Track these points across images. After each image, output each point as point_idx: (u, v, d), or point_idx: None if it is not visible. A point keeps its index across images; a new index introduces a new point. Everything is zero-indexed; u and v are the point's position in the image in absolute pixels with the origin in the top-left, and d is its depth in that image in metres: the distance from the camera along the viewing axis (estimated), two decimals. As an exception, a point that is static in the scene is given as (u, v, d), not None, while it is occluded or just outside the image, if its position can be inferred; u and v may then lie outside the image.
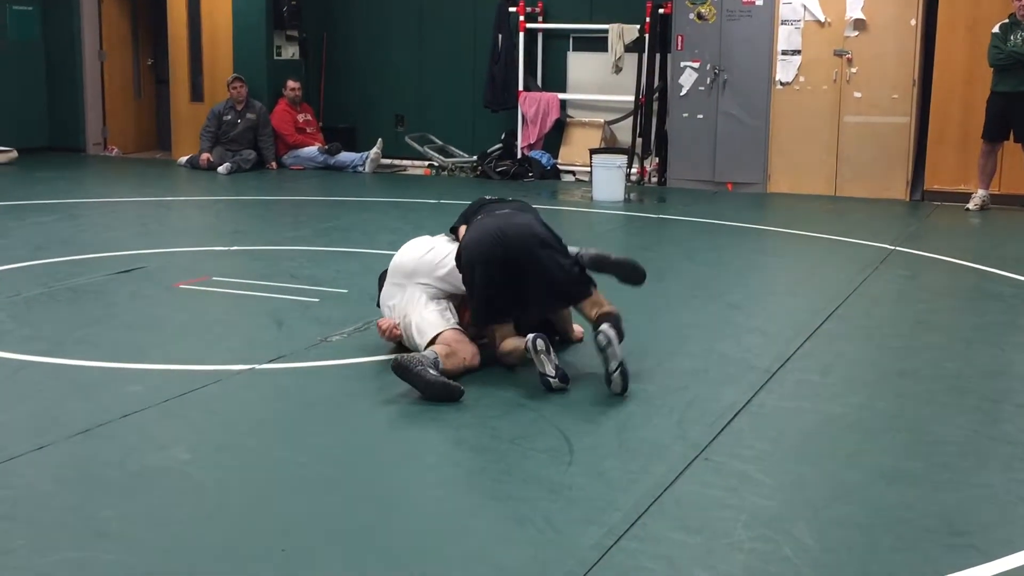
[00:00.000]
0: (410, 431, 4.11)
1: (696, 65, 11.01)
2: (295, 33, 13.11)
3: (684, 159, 11.21)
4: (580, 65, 12.19)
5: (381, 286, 5.13)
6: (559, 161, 12.05)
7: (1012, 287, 6.67)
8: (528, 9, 12.07)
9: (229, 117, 12.30)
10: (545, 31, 12.30)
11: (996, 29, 9.44)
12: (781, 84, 10.73)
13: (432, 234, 5.20)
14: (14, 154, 12.41)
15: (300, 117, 12.63)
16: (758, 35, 10.74)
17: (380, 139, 12.47)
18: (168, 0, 13.15)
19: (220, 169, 11.98)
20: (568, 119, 12.25)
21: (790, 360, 4.96)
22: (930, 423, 4.21)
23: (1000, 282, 6.82)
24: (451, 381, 4.33)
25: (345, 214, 9.31)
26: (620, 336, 4.48)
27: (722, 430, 4.03)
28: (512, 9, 12.06)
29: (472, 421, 4.13)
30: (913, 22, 10.24)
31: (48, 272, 6.58)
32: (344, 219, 9.02)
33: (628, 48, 11.55)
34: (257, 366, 4.72)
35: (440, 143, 12.64)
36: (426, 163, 12.54)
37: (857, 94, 10.49)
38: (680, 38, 11.06)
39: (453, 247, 4.96)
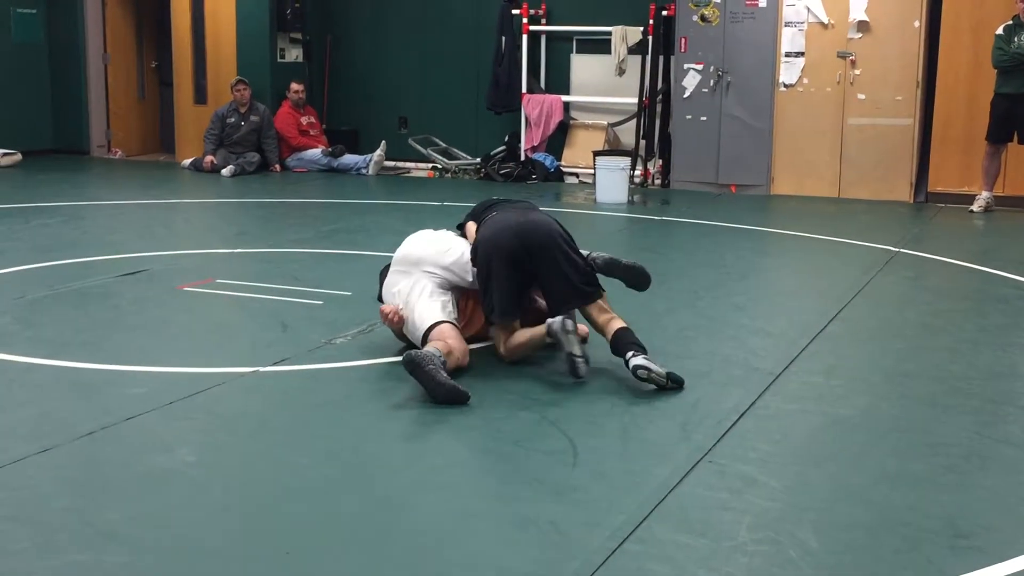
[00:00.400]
0: (414, 433, 4.12)
1: (699, 67, 11.01)
2: (299, 36, 13.12)
3: (687, 161, 11.21)
4: (583, 67, 12.19)
5: (382, 282, 5.13)
6: (562, 163, 12.05)
7: (1016, 289, 6.67)
8: (531, 11, 12.07)
9: (233, 120, 12.31)
10: (548, 33, 12.30)
11: (1000, 31, 9.43)
12: (785, 86, 10.73)
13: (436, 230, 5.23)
14: (18, 156, 12.42)
15: (303, 119, 12.64)
16: (761, 37, 10.74)
17: (383, 141, 12.48)
18: (172, 3, 13.17)
19: (224, 172, 11.99)
20: (571, 121, 12.25)
21: (794, 362, 4.96)
22: (934, 425, 4.21)
23: (1004, 284, 6.81)
24: (459, 386, 4.33)
25: (349, 216, 9.32)
26: (644, 350, 4.58)
27: (726, 432, 4.03)
28: (515, 11, 12.07)
29: (476, 423, 4.13)
30: (917, 24, 10.23)
31: (53, 274, 6.59)
32: (348, 221, 9.02)
33: (631, 50, 11.54)
34: (261, 368, 4.72)
35: (443, 145, 12.65)
36: (429, 165, 12.54)
37: (861, 96, 10.49)
38: (683, 40, 11.06)
39: (459, 239, 5.04)
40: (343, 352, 5.01)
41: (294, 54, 13.14)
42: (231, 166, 12.02)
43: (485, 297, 4.84)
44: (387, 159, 12.53)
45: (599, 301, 4.80)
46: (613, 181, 10.27)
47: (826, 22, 10.52)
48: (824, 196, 10.64)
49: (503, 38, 12.09)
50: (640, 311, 5.25)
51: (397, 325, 4.88)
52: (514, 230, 4.77)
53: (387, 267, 5.14)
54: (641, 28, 11.41)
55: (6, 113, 12.94)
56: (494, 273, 4.75)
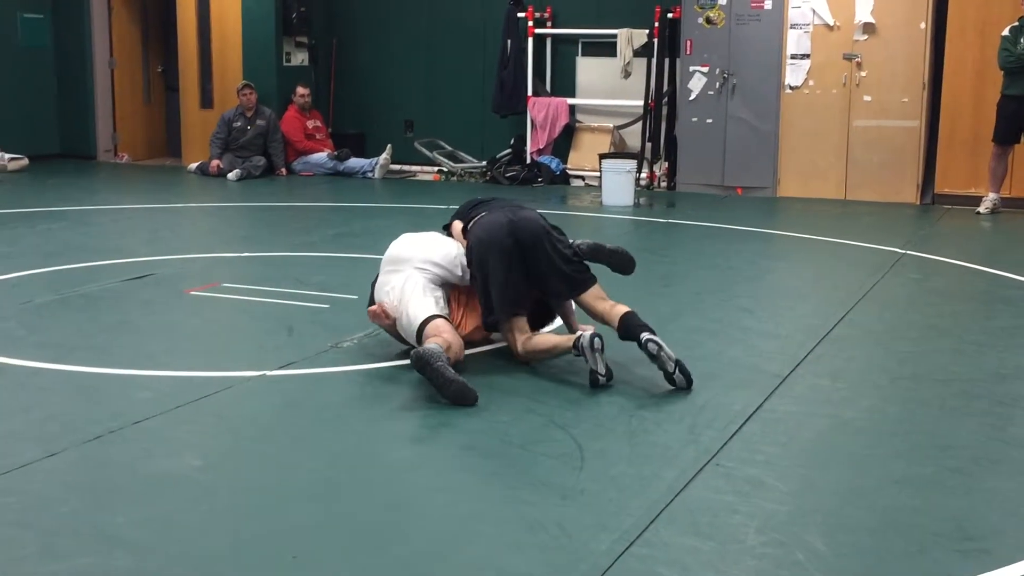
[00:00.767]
0: (420, 437, 4.12)
1: (705, 70, 11.00)
2: (304, 39, 13.13)
3: (693, 164, 11.20)
4: (589, 70, 12.19)
5: (374, 289, 5.14)
6: (568, 166, 12.05)
7: (1023, 291, 6.65)
8: (537, 14, 12.07)
9: (239, 124, 12.33)
10: (554, 36, 12.30)
11: (1006, 32, 9.42)
12: (790, 88, 10.72)
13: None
14: (25, 161, 12.45)
15: (310, 123, 12.65)
16: (767, 39, 10.73)
17: (389, 145, 12.48)
18: (178, 7, 13.19)
19: (230, 176, 12.00)
20: (577, 124, 12.25)
21: (801, 365, 4.95)
22: (941, 427, 4.20)
23: (1011, 286, 6.80)
24: (468, 383, 4.34)
25: (355, 220, 9.32)
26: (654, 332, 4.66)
27: (733, 435, 4.02)
28: (521, 14, 12.07)
29: (483, 426, 4.13)
30: (923, 25, 10.22)
31: (59, 279, 6.60)
32: (354, 225, 9.03)
33: (637, 53, 11.55)
34: (267, 372, 4.73)
35: (449, 149, 12.65)
36: (435, 169, 12.55)
37: (867, 98, 10.47)
38: (689, 42, 11.06)
39: (445, 237, 5.12)
40: (349, 356, 5.01)
41: (300, 58, 13.16)
42: (237, 170, 12.03)
43: (484, 298, 4.86)
44: (393, 162, 12.53)
45: (595, 290, 4.92)
46: (619, 184, 10.27)
47: (832, 24, 10.51)
48: (830, 198, 10.63)
49: (509, 41, 12.09)
50: (647, 314, 5.22)
51: (387, 323, 4.88)
52: (506, 228, 4.85)
53: (377, 277, 5.14)
54: (647, 31, 11.41)
55: (13, 117, 12.97)
56: (491, 270, 4.79)
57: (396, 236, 5.28)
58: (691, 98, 11.10)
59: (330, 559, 3.03)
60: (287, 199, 10.74)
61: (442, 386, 4.31)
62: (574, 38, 12.24)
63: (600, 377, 4.54)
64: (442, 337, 4.58)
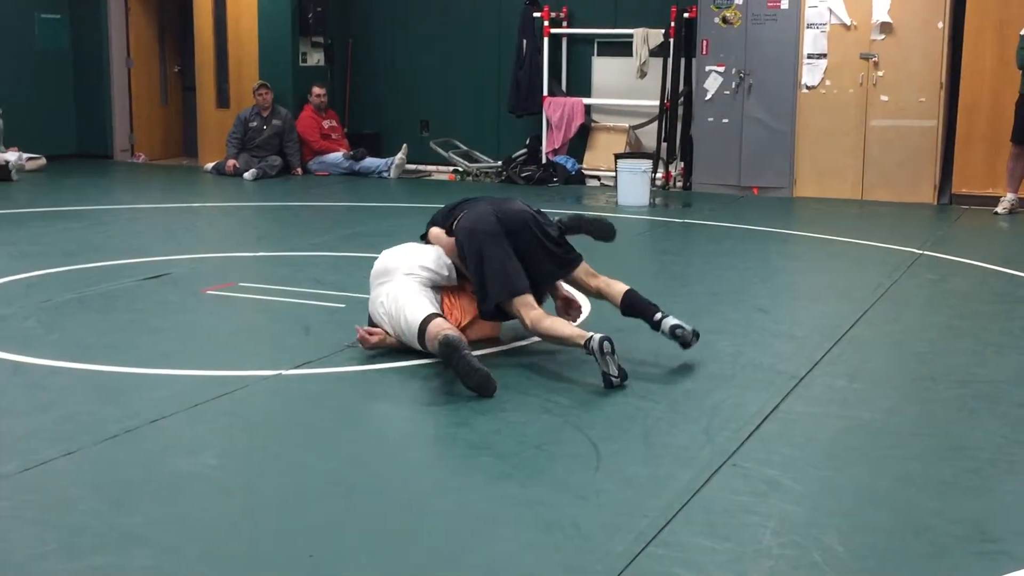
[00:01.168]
0: (436, 436, 4.12)
1: (721, 69, 10.98)
2: (320, 39, 13.16)
3: (709, 164, 11.18)
4: (605, 70, 12.18)
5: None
6: (584, 166, 12.04)
7: (1042, 291, 6.62)
8: (553, 14, 12.07)
9: (255, 123, 12.36)
10: (570, 36, 12.29)
11: (1024, 31, 9.37)
12: (807, 88, 10.69)
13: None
14: (43, 161, 12.50)
15: (325, 123, 12.68)
16: (784, 39, 10.70)
17: (405, 145, 12.49)
18: (194, 8, 13.23)
19: (246, 175, 12.04)
20: (593, 124, 12.24)
21: (818, 365, 4.94)
22: (959, 429, 4.18)
23: (1030, 286, 6.76)
24: (491, 375, 4.39)
25: (370, 220, 9.34)
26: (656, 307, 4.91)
27: (749, 436, 4.01)
28: (537, 14, 12.06)
29: (498, 426, 4.13)
30: (940, 24, 10.17)
31: (77, 278, 6.63)
32: (369, 225, 9.04)
33: (653, 52, 11.53)
34: (284, 372, 4.74)
35: (465, 148, 12.65)
36: (451, 168, 12.56)
37: (884, 97, 10.43)
38: (705, 42, 11.03)
39: (425, 245, 5.22)
40: (365, 355, 5.01)
41: (316, 58, 13.19)
42: (253, 170, 12.06)
43: (480, 287, 4.91)
44: (408, 162, 12.55)
45: (584, 267, 5.11)
46: (635, 184, 10.25)
47: (848, 23, 10.47)
48: (847, 198, 10.59)
49: (524, 41, 12.10)
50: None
51: (374, 341, 4.93)
52: (493, 216, 4.98)
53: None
54: (662, 30, 11.39)
55: (31, 118, 13.02)
56: (485, 257, 4.87)
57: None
58: (707, 98, 11.07)
59: (346, 558, 3.03)
60: (303, 199, 10.76)
61: (467, 374, 4.35)
62: (590, 38, 12.23)
63: (613, 379, 4.54)
64: (452, 331, 4.60)
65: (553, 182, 11.71)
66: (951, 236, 8.75)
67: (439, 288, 5.08)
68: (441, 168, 12.75)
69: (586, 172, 11.99)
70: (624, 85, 11.92)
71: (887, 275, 6.94)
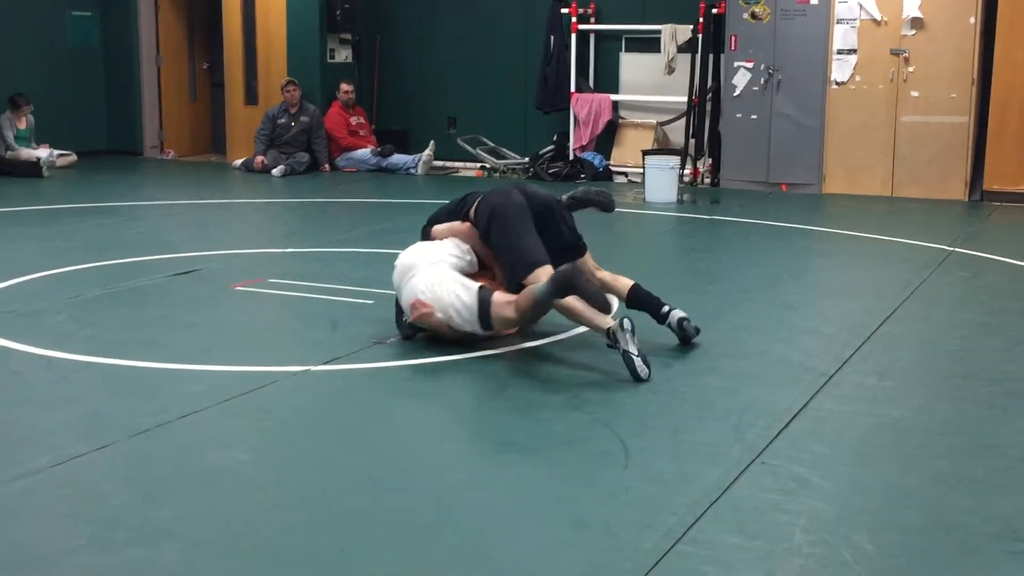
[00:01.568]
0: (464, 433, 4.13)
1: (750, 65, 10.93)
2: (348, 36, 13.20)
3: (737, 160, 11.13)
4: (632, 66, 12.15)
5: (398, 313, 5.23)
6: (611, 162, 12.03)
7: (1075, 289, 6.56)
8: (580, 10, 12.05)
9: (283, 120, 12.41)
10: (597, 32, 12.28)
11: (1057, 26, 9.28)
12: (836, 84, 10.62)
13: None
14: (74, 157, 12.61)
15: (353, 120, 12.71)
16: (813, 34, 10.64)
17: (432, 141, 12.51)
18: (223, 5, 13.30)
19: (274, 172, 12.09)
20: (620, 120, 12.22)
21: (847, 363, 4.91)
22: (991, 427, 4.15)
23: (1062, 284, 6.70)
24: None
25: (398, 216, 9.35)
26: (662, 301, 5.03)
27: (779, 433, 4.00)
28: (564, 10, 12.05)
29: (526, 424, 4.13)
30: (972, 20, 10.08)
31: (108, 274, 6.68)
32: (397, 221, 9.06)
33: (681, 48, 11.50)
34: (312, 368, 4.76)
35: (492, 145, 12.66)
36: (478, 165, 12.56)
37: (914, 93, 10.36)
38: (734, 38, 10.99)
39: (442, 243, 5.25)
40: (393, 352, 5.03)
41: (344, 55, 13.22)
42: (281, 166, 12.11)
43: (509, 257, 4.97)
44: (436, 159, 12.57)
45: (590, 257, 5.28)
46: (662, 180, 10.23)
47: (879, 19, 10.40)
48: (876, 195, 10.52)
49: (552, 37, 12.09)
50: (691, 310, 5.22)
51: (427, 311, 4.88)
52: (522, 193, 5.14)
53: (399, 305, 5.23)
54: (691, 26, 11.35)
55: (62, 114, 13.14)
56: (514, 227, 4.97)
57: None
58: (735, 94, 11.02)
59: (376, 554, 3.04)
60: (331, 195, 10.80)
61: (591, 296, 4.56)
62: (618, 34, 12.20)
63: (635, 357, 4.52)
64: (511, 296, 4.79)
65: (580, 178, 11.70)
66: (982, 233, 8.68)
67: (464, 273, 5.13)
68: (468, 165, 12.76)
69: (613, 168, 11.97)
70: (652, 81, 11.89)
71: (917, 272, 6.89)
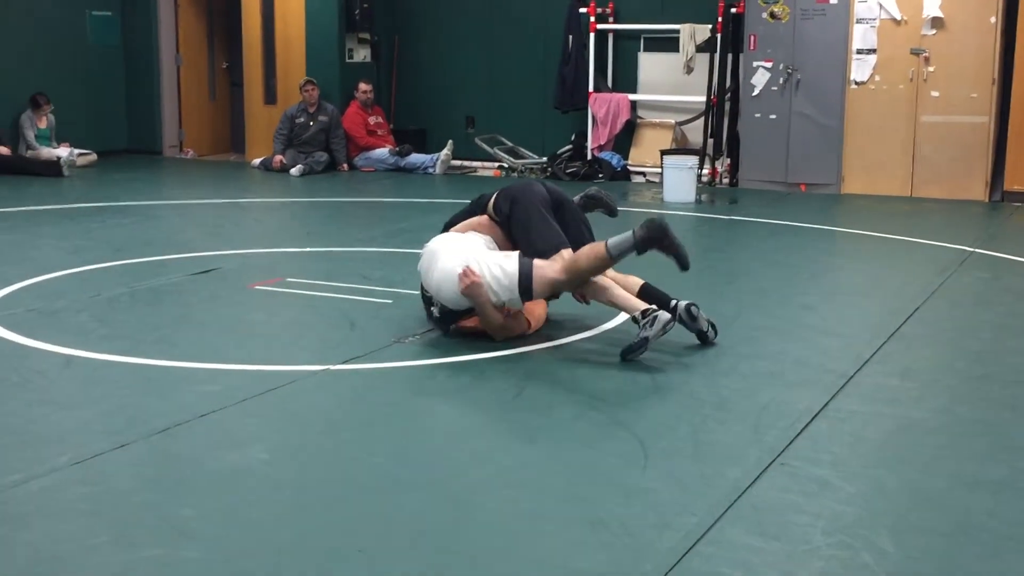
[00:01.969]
0: (484, 433, 4.13)
1: (769, 65, 10.89)
2: (367, 36, 13.21)
3: (756, 160, 11.10)
4: (651, 66, 12.13)
5: (427, 304, 5.21)
6: (629, 162, 12.00)
7: (1097, 290, 6.51)
8: (599, 10, 12.03)
9: (302, 119, 12.44)
10: (616, 32, 12.25)
11: (1080, 26, 9.22)
12: (856, 83, 10.58)
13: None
14: (94, 157, 12.67)
15: (371, 119, 12.73)
16: (832, 34, 10.60)
17: (450, 141, 12.52)
18: (243, 5, 13.33)
19: (292, 171, 12.11)
20: (639, 120, 12.20)
21: (867, 363, 4.88)
22: (1013, 429, 4.12)
23: (1084, 285, 6.65)
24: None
25: (416, 215, 9.36)
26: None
27: (799, 434, 3.98)
28: (583, 10, 12.04)
29: (546, 424, 4.13)
30: (993, 19, 10.02)
31: (127, 273, 6.70)
32: (415, 220, 9.06)
33: (700, 48, 11.47)
34: (331, 367, 4.76)
35: (510, 144, 12.65)
36: (496, 165, 12.56)
37: (934, 93, 10.30)
38: (753, 37, 10.95)
39: (465, 234, 5.27)
40: (412, 351, 5.03)
41: (362, 54, 13.24)
42: (300, 165, 12.14)
43: (530, 237, 5.07)
44: (454, 158, 12.57)
45: None
46: (681, 180, 10.20)
47: (899, 18, 10.35)
48: (896, 195, 10.47)
49: (570, 37, 12.07)
50: (709, 310, 5.20)
51: (477, 279, 4.86)
52: (538, 184, 5.35)
53: (426, 293, 5.22)
54: (709, 26, 11.32)
55: (83, 114, 13.19)
56: (535, 214, 5.10)
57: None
58: (754, 94, 10.99)
59: (395, 553, 3.04)
60: (349, 195, 10.81)
61: (676, 249, 4.82)
62: (636, 34, 12.18)
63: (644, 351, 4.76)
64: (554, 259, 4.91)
65: (599, 178, 11.68)
66: (1003, 233, 8.63)
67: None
68: (486, 164, 12.76)
69: (632, 168, 11.95)
70: (670, 81, 11.86)
71: (938, 273, 6.85)
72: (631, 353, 4.78)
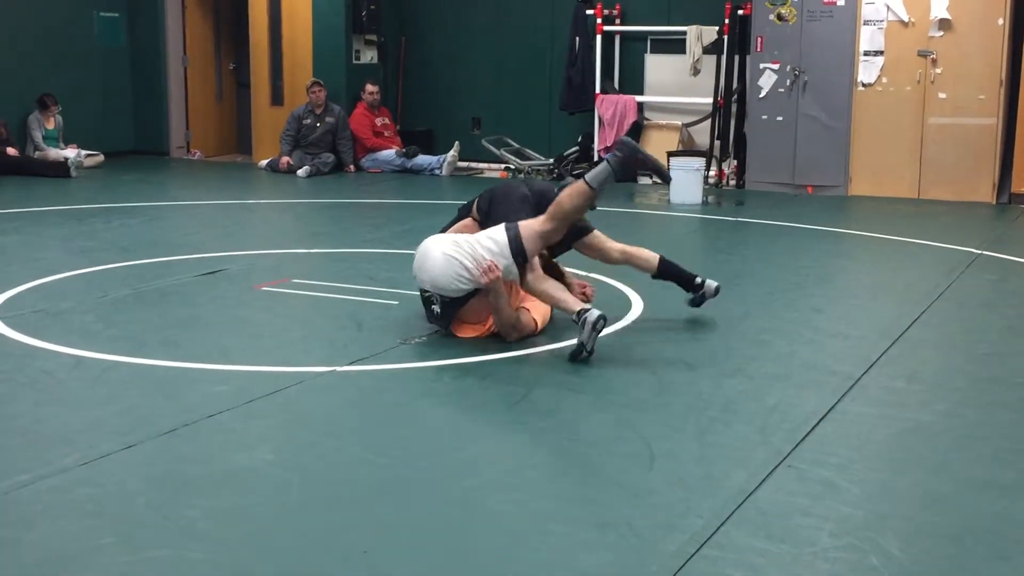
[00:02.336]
0: (490, 434, 4.12)
1: (776, 67, 10.88)
2: (373, 37, 13.23)
3: (763, 162, 11.09)
4: (658, 67, 12.13)
5: (427, 304, 5.21)
6: (636, 164, 11.98)
7: (1105, 293, 6.49)
8: (606, 11, 12.03)
9: (308, 121, 12.45)
10: (622, 33, 12.25)
11: (1088, 27, 9.20)
12: (863, 85, 10.56)
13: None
14: (101, 158, 12.69)
15: (378, 120, 12.74)
16: (839, 36, 10.58)
17: (457, 142, 12.52)
18: (250, 6, 13.35)
19: (299, 172, 12.13)
20: (645, 122, 12.19)
21: (874, 366, 4.87)
22: (1021, 431, 4.10)
23: (1092, 287, 6.63)
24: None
25: (422, 217, 9.36)
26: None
27: (805, 437, 3.97)
28: (589, 12, 12.04)
29: (551, 425, 4.12)
30: (1000, 21, 10.00)
31: (134, 273, 6.71)
32: (422, 221, 9.05)
33: (707, 50, 11.47)
34: (338, 368, 4.76)
35: (517, 146, 12.65)
36: (503, 166, 12.56)
37: (942, 95, 10.28)
38: (760, 39, 10.94)
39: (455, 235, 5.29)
40: (419, 352, 5.03)
41: (369, 56, 13.25)
42: (307, 167, 12.15)
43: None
44: (460, 160, 12.58)
45: (598, 233, 5.51)
46: (687, 182, 10.19)
47: (906, 20, 10.33)
48: (903, 197, 10.45)
49: (577, 38, 12.07)
50: (716, 313, 5.20)
51: (494, 281, 4.89)
52: (520, 183, 5.54)
53: (427, 293, 5.20)
54: (716, 27, 11.32)
55: (89, 115, 13.22)
56: (518, 210, 5.20)
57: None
58: (761, 95, 10.98)
59: (400, 555, 3.04)
60: (355, 196, 10.82)
61: (654, 162, 5.10)
62: (643, 35, 12.18)
63: (586, 354, 4.77)
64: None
65: (605, 180, 11.65)
66: (1011, 236, 8.61)
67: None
68: (493, 166, 12.76)
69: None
70: (677, 83, 11.86)
71: (945, 275, 6.84)
72: (572, 359, 4.83)
